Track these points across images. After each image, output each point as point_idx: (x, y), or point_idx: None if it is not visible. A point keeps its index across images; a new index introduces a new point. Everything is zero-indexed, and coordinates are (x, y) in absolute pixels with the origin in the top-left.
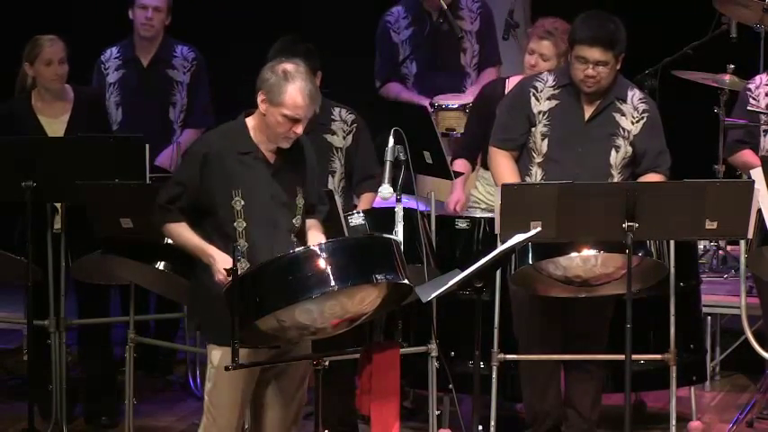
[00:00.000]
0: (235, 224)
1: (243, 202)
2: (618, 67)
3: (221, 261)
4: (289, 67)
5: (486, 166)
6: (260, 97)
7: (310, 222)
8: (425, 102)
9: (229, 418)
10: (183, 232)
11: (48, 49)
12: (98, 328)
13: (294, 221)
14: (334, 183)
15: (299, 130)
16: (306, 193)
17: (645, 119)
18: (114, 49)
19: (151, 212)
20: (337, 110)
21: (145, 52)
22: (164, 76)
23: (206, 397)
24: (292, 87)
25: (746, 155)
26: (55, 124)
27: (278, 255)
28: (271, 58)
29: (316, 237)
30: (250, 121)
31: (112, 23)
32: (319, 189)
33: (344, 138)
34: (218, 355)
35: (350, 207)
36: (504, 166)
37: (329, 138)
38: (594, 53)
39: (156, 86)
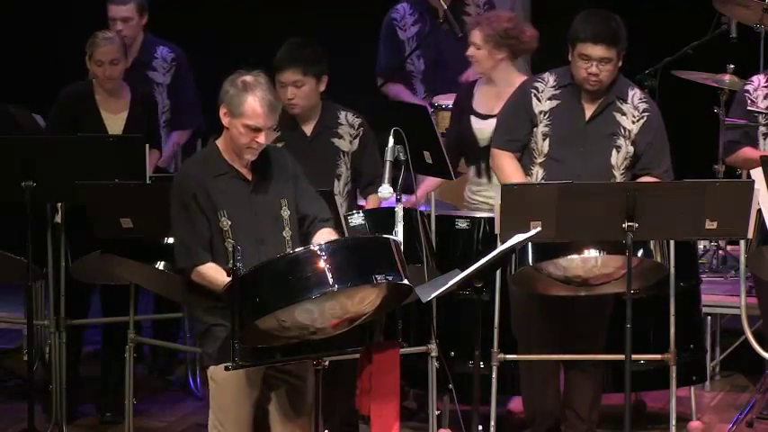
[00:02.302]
0: (225, 244)
1: (229, 223)
2: (619, 64)
3: None
4: (248, 78)
5: (467, 164)
6: (222, 110)
7: (322, 232)
8: (424, 104)
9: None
10: (212, 274)
11: (100, 49)
12: (121, 328)
13: (284, 234)
14: (339, 186)
15: (262, 139)
16: (294, 205)
17: (645, 118)
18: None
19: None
20: (343, 113)
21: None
22: (144, 78)
23: (211, 415)
24: (251, 98)
25: (746, 151)
26: (115, 120)
27: (278, 255)
28: (277, 60)
29: (321, 236)
30: (220, 143)
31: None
32: (317, 200)
33: (351, 142)
34: (217, 371)
35: (354, 210)
36: (509, 166)
37: (336, 141)
38: (598, 50)
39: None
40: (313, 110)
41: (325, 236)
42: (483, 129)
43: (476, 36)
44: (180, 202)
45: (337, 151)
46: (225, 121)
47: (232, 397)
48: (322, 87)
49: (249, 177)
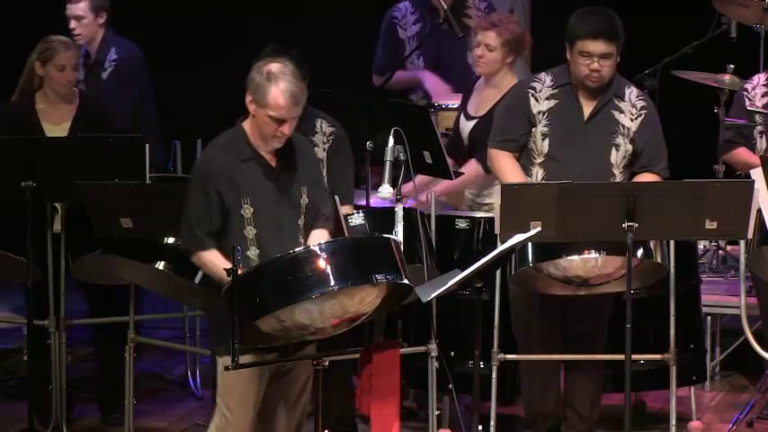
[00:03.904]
0: (245, 232)
1: (252, 210)
2: (617, 60)
3: None
4: (273, 67)
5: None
6: (248, 98)
7: (316, 231)
8: (425, 75)
9: (244, 419)
10: (214, 261)
11: (63, 54)
12: (111, 328)
13: (299, 222)
14: None
15: (287, 129)
16: (310, 195)
17: (643, 116)
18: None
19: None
20: (320, 121)
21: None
22: (98, 79)
23: (219, 400)
24: (275, 89)
25: (742, 152)
26: (57, 131)
27: (278, 255)
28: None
29: (317, 236)
30: (247, 126)
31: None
32: (325, 196)
33: (324, 150)
34: (226, 359)
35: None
36: (507, 165)
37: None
38: (599, 46)
39: (91, 88)
40: None
41: (319, 238)
42: (465, 129)
43: (491, 38)
44: (200, 185)
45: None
46: (251, 108)
47: (243, 385)
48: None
49: (273, 164)
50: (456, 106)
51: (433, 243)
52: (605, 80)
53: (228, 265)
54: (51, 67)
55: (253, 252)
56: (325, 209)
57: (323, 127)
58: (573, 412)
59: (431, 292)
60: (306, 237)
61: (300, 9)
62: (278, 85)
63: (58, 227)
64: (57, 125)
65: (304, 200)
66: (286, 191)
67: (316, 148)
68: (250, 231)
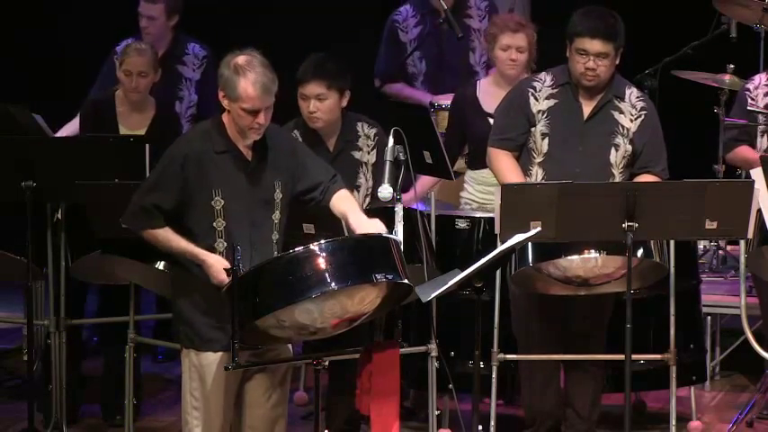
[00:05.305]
0: (214, 224)
1: (223, 202)
2: (617, 61)
3: (216, 263)
4: (240, 60)
5: (472, 167)
6: (220, 93)
7: (339, 197)
8: (427, 98)
9: (220, 418)
10: (169, 237)
11: (130, 59)
12: (119, 328)
13: (273, 218)
14: (359, 198)
15: (262, 119)
16: (292, 186)
17: (643, 116)
18: (129, 42)
19: (126, 215)
20: (360, 124)
21: (156, 47)
22: (173, 71)
23: (189, 396)
24: (244, 81)
25: (744, 150)
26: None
27: (277, 255)
28: (301, 73)
29: (341, 202)
30: (225, 119)
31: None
32: (319, 163)
33: (369, 153)
34: (203, 354)
35: None
36: (505, 163)
37: (356, 154)
38: (595, 45)
39: (163, 80)
40: (335, 125)
41: (345, 203)
42: None
43: (521, 39)
44: (168, 167)
45: (357, 163)
46: (224, 104)
47: (216, 382)
48: (344, 103)
49: (249, 158)
50: None
51: (433, 243)
52: (601, 80)
53: (227, 264)
54: (121, 70)
55: (220, 245)
56: (328, 175)
57: (365, 129)
58: (573, 412)
59: (431, 292)
60: (280, 231)
61: (299, 9)
62: (246, 76)
63: (59, 216)
64: (134, 130)
65: (278, 194)
66: (259, 186)
67: (360, 152)
68: (219, 224)
